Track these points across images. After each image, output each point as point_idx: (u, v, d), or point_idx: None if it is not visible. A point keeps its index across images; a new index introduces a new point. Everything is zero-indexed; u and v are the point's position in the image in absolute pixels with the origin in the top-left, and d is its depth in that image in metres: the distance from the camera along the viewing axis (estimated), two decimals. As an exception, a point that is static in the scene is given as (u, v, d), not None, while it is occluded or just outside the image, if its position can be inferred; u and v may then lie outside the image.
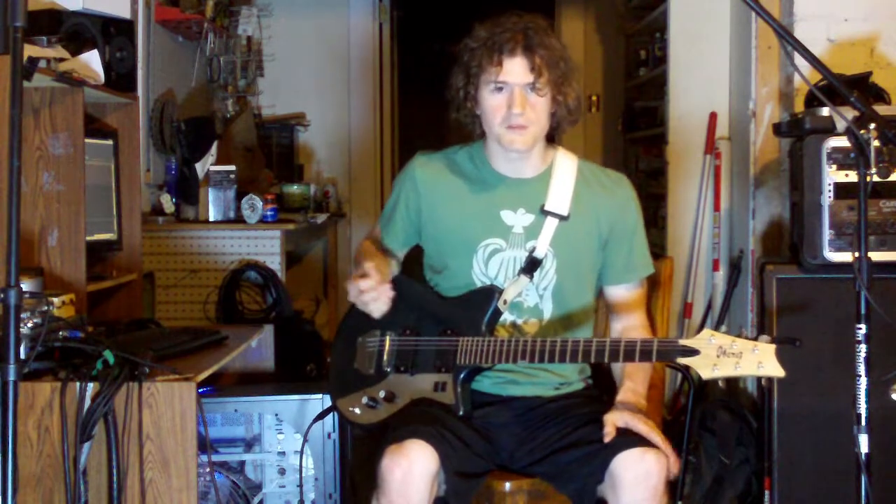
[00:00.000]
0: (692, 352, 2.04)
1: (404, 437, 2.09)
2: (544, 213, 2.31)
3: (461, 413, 2.24)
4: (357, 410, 2.36)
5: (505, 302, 2.29)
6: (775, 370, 1.98)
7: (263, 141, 5.47)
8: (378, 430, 2.33)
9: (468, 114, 2.33)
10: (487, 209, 2.34)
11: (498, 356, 2.22)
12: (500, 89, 2.23)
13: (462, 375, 2.26)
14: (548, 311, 2.35)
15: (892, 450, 2.94)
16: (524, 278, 2.30)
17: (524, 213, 2.33)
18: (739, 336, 2.03)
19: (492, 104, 2.25)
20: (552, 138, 2.39)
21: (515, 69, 2.21)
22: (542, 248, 2.30)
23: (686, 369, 3.50)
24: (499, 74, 2.21)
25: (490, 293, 2.30)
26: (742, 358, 2.00)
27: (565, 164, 2.36)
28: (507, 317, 2.32)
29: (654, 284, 2.45)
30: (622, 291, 2.40)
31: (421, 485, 2.05)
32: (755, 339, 2.01)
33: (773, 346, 1.99)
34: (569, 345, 2.16)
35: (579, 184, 2.34)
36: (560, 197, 2.32)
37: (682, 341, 2.06)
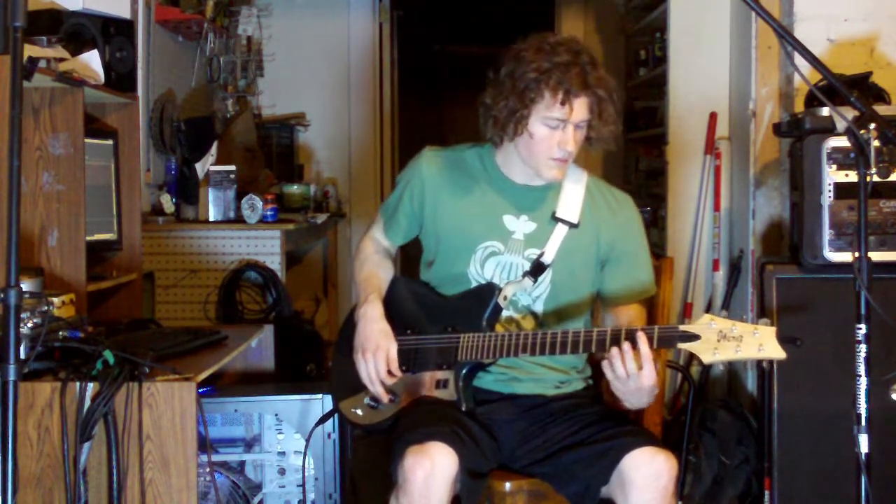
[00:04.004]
0: (693, 337, 2.04)
1: (425, 437, 2.09)
2: (555, 219, 2.31)
3: (463, 408, 2.25)
4: (359, 411, 2.36)
5: (505, 298, 2.30)
6: (776, 352, 1.98)
7: (263, 141, 5.47)
8: (380, 430, 2.34)
9: (502, 134, 2.26)
10: (490, 211, 2.34)
11: (499, 351, 2.22)
12: (558, 126, 2.21)
13: (464, 371, 2.26)
14: (540, 310, 2.35)
15: (892, 450, 2.93)
16: (527, 280, 2.30)
17: (527, 220, 2.33)
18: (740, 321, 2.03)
19: (544, 136, 2.22)
20: None
21: (580, 109, 2.19)
22: (551, 253, 2.30)
23: (686, 369, 3.52)
24: (563, 113, 2.19)
25: (490, 290, 2.30)
26: (743, 341, 2.00)
27: (575, 175, 2.36)
28: (503, 312, 2.32)
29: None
30: (620, 310, 2.39)
31: (442, 486, 2.06)
32: (755, 323, 2.01)
33: (773, 329, 1.99)
34: (570, 336, 2.16)
35: (586, 198, 2.35)
36: (571, 205, 2.32)
37: (683, 327, 2.06)
